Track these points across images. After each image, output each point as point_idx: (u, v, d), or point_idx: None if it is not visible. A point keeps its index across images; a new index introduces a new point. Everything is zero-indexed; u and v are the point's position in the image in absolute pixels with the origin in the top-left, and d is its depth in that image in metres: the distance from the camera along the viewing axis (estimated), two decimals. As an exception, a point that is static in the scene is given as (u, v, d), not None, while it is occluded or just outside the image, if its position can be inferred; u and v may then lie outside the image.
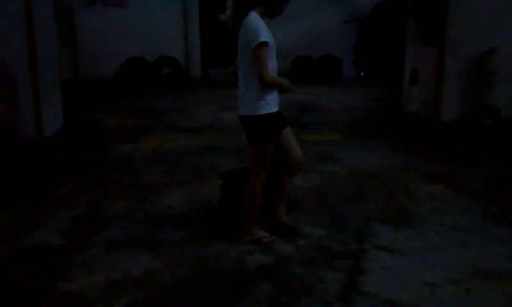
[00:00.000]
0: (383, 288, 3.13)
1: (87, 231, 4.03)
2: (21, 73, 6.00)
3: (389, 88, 10.56)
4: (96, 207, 4.55)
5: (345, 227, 4.05)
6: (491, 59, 6.51)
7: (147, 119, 8.46)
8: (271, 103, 3.46)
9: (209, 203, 4.56)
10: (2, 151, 5.72)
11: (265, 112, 3.45)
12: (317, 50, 13.06)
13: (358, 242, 3.76)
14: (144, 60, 12.48)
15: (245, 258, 3.53)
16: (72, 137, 7.14)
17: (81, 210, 4.48)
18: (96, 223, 4.20)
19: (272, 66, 3.46)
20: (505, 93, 6.71)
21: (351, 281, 3.23)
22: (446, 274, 3.26)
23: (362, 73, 12.41)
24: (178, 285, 3.23)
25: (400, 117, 7.72)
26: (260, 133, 3.50)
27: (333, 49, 13.14)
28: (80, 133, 7.41)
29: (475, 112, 6.75)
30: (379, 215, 4.26)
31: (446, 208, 4.40)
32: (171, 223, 4.17)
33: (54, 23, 6.99)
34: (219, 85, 12.32)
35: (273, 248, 3.68)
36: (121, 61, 12.50)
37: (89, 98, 10.67)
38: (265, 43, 3.31)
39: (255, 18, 3.40)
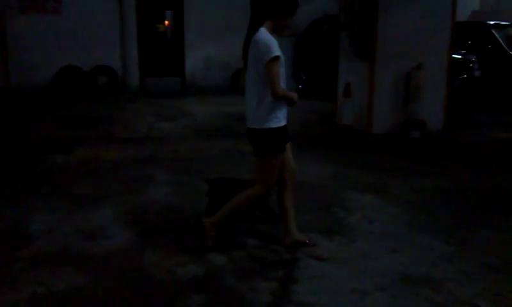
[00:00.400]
0: (313, 296, 3.18)
1: (11, 246, 3.83)
2: None
3: (326, 101, 10.82)
4: (22, 220, 4.34)
5: (280, 236, 4.08)
6: (419, 74, 6.83)
7: (81, 130, 8.21)
8: (280, 117, 3.51)
9: (143, 215, 4.47)
10: None
11: (274, 125, 3.49)
12: (256, 63, 13.18)
13: (292, 252, 3.80)
14: (80, 69, 12.12)
15: (177, 270, 3.48)
16: (1, 147, 6.79)
17: (5, 224, 4.26)
18: (21, 237, 4.00)
19: (283, 80, 3.50)
20: (430, 107, 7.05)
21: (283, 291, 3.25)
22: (374, 281, 3.35)
23: (300, 87, 12.64)
24: (106, 299, 3.13)
25: (335, 129, 7.93)
26: (269, 147, 3.54)
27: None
28: (10, 144, 7.07)
29: (404, 124, 7.03)
30: (313, 225, 4.32)
31: (376, 217, 4.54)
32: (101, 236, 4.05)
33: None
34: (158, 95, 12.17)
35: (206, 259, 3.65)
36: (55, 70, 12.07)
37: (20, 108, 10.22)
38: (277, 58, 3.38)
39: (265, 33, 3.45)
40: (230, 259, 3.66)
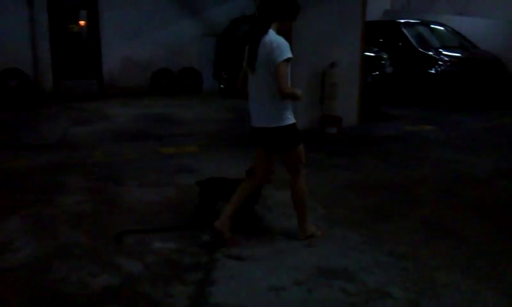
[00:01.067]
0: (231, 296, 3.16)
1: None
2: None
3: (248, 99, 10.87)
4: None
5: (198, 238, 4.04)
6: (333, 72, 7.03)
7: (-13, 137, 7.70)
8: (292, 113, 3.73)
9: (53, 227, 4.25)
10: None
11: (291, 122, 3.72)
12: (178, 63, 13.05)
13: (209, 253, 3.76)
14: (-14, 72, 11.38)
15: (88, 281, 3.33)
16: None
17: None
18: None
19: (289, 78, 3.63)
20: (345, 103, 7.28)
21: (200, 293, 3.20)
22: (291, 277, 3.39)
23: (222, 86, 12.63)
24: (10, 318, 2.93)
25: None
26: (292, 141, 3.77)
27: (193, 62, 13.23)
28: None
29: (321, 121, 7.21)
30: (233, 226, 4.30)
31: (293, 212, 4.58)
32: (8, 249, 3.80)
33: None
34: (73, 98, 11.68)
35: (120, 268, 3.53)
36: (-42, 74, 11.25)
37: None
38: (290, 59, 3.55)
39: (276, 35, 3.59)
40: (145, 265, 3.57)
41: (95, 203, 4.86)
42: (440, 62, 9.82)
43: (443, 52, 10.15)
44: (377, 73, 9.17)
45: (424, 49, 10.28)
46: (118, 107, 10.78)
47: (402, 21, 11.36)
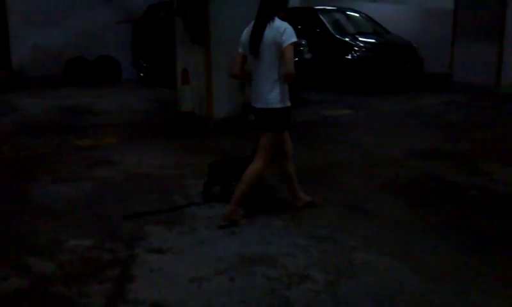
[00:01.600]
0: (151, 291, 3.06)
1: None
2: None
3: (168, 88, 10.65)
4: None
5: (117, 233, 3.89)
6: (252, 58, 7.02)
7: None
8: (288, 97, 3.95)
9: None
10: None
11: (288, 104, 3.94)
12: (94, 51, 12.50)
13: (129, 248, 3.63)
14: None
15: (-4, 286, 3.10)
16: None
17: None
18: None
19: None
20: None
21: (118, 291, 3.08)
22: (213, 267, 3.35)
23: (142, 74, 12.29)
24: None
25: (176, 117, 7.82)
26: (282, 123, 3.96)
27: (110, 50, 12.73)
28: None
29: (243, 108, 7.20)
30: (153, 217, 4.19)
31: (217, 201, 4.55)
32: None
33: None
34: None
35: (31, 269, 3.31)
36: None
37: None
38: (295, 43, 3.74)
39: (283, 22, 3.81)
40: (58, 265, 3.38)
41: (3, 203, 4.54)
42: (356, 48, 10.12)
43: (359, 38, 10.47)
44: (296, 59, 9.27)
45: (340, 35, 10.55)
46: (29, 98, 10.17)
47: (319, 8, 11.58)
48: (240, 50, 4.01)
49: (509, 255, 3.55)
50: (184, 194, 4.72)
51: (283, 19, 3.86)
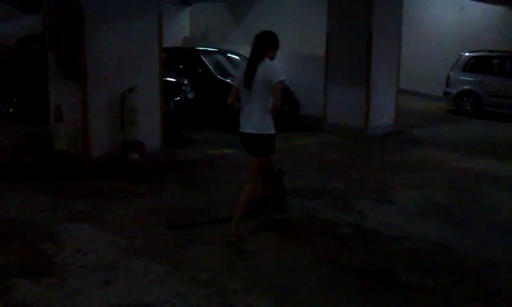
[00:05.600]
0: (11, 355, 2.74)
1: None
2: None
3: (40, 125, 9.96)
4: None
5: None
6: (132, 97, 6.86)
7: None
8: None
9: None
10: None
11: (274, 132, 4.58)
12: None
13: (-15, 304, 3.24)
14: None
15: None
16: None
17: None
18: None
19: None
20: (147, 128, 7.18)
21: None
22: (85, 321, 3.10)
23: (11, 110, 11.38)
24: None
25: (49, 155, 7.31)
26: (271, 147, 4.61)
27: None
28: None
29: (123, 147, 6.95)
30: (15, 268, 3.80)
31: (91, 247, 4.27)
32: None
33: None
34: None
35: None
36: None
37: None
38: (283, 80, 4.42)
39: (271, 61, 4.51)
40: None
41: None
42: (237, 89, 10.37)
43: (240, 80, 10.75)
44: (178, 98, 9.25)
45: (222, 76, 10.74)
46: None
47: (201, 49, 11.73)
48: (235, 84, 4.66)
49: (385, 292, 3.75)
50: (55, 241, 4.37)
51: (271, 58, 4.52)
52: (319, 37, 11.40)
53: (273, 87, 4.37)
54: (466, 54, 13.55)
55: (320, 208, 5.61)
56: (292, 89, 11.13)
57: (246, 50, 12.90)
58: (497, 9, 14.66)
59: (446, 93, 13.77)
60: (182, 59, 11.35)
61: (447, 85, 13.69)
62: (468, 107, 13.25)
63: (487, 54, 13.43)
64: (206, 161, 7.81)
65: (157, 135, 7.79)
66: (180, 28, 15.13)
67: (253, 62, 4.49)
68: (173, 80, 9.34)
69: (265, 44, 4.54)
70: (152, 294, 3.48)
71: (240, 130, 4.65)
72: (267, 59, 4.50)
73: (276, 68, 4.47)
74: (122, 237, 4.53)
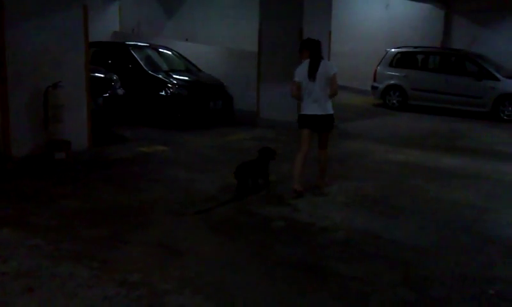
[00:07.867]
0: None
1: None
2: None
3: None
4: None
5: None
6: (56, 93, 6.55)
7: None
8: None
9: None
10: None
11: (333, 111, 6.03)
12: None
13: None
14: None
15: None
16: None
17: None
18: None
19: None
20: (74, 126, 6.89)
21: None
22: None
23: None
24: None
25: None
26: (333, 123, 6.06)
27: None
28: None
29: (48, 145, 6.62)
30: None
31: (12, 254, 4.02)
32: None
33: None
34: None
35: None
36: None
37: None
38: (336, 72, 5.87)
39: (327, 60, 6.67)
40: None
41: None
42: (170, 85, 10.15)
43: (173, 75, 10.55)
44: (107, 94, 8.94)
45: (153, 72, 10.49)
46: None
47: (131, 43, 11.41)
48: (297, 79, 5.87)
49: (317, 283, 3.80)
50: (-29, 248, 4.07)
51: (307, 57, 5.91)
52: (252, 33, 11.44)
53: (331, 78, 5.77)
54: (392, 50, 14.08)
55: (254, 203, 5.60)
56: (225, 85, 11.09)
57: (178, 45, 12.76)
58: (421, 7, 15.35)
59: (373, 88, 14.26)
60: (111, 54, 11.00)
61: (375, 80, 14.18)
62: (394, 101, 13.79)
63: (412, 49, 14.02)
64: (137, 159, 7.59)
65: (85, 132, 7.51)
66: (109, 22, 14.60)
67: (316, 60, 5.83)
68: (102, 75, 9.01)
69: (320, 49, 5.95)
70: (78, 299, 3.32)
71: (309, 113, 5.85)
72: (325, 59, 6.15)
73: (332, 63, 6.27)
74: (46, 241, 4.30)
